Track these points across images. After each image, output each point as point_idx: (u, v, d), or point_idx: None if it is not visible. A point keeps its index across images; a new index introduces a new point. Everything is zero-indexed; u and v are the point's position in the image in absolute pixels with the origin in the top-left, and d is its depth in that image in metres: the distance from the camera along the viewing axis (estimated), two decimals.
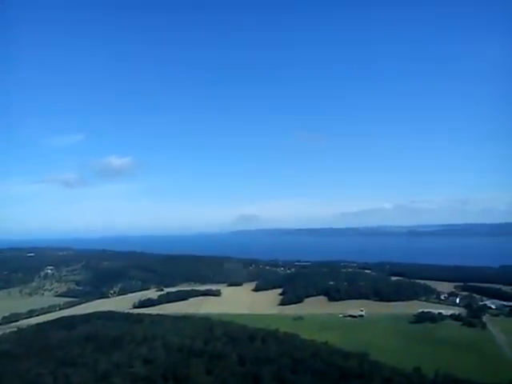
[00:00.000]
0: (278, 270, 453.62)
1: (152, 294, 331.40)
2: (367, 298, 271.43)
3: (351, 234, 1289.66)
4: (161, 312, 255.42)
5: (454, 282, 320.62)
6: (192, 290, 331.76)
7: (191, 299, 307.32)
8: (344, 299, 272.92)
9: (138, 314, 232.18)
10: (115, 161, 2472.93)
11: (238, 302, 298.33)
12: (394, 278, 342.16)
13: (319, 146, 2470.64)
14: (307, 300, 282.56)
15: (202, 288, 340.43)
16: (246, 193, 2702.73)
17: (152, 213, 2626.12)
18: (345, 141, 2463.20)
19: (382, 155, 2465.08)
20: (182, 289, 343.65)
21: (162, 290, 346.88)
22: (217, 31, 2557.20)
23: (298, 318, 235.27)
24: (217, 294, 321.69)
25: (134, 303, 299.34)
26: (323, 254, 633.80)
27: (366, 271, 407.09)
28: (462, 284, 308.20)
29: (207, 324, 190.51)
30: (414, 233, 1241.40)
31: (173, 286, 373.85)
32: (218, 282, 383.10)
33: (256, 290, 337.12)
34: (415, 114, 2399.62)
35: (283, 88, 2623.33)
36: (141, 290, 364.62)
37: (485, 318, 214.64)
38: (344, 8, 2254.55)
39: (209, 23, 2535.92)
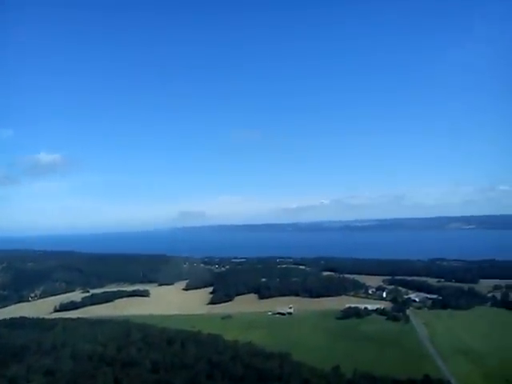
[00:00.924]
0: (212, 267, 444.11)
1: (76, 296, 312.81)
2: (297, 294, 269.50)
3: (290, 229, 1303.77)
4: (82, 316, 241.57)
5: (383, 275, 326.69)
6: (118, 290, 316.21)
7: (117, 301, 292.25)
8: (274, 296, 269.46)
9: (53, 320, 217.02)
10: (45, 157, 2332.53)
11: (167, 302, 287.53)
12: (325, 274, 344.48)
13: (260, 144, 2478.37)
14: (237, 298, 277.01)
15: (130, 289, 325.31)
16: (191, 189, 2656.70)
17: (88, 210, 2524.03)
18: (284, 138, 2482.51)
19: (321, 152, 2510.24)
20: (108, 290, 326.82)
21: (88, 291, 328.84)
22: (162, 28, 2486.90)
23: (227, 317, 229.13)
24: (145, 294, 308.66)
25: (55, 307, 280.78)
26: (261, 249, 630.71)
27: (301, 267, 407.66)
28: (390, 278, 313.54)
29: (125, 328, 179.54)
30: (350, 227, 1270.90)
31: (100, 287, 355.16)
32: (150, 282, 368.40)
33: (187, 288, 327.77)
34: (353, 111, 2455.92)
35: (223, 86, 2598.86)
36: (65, 293, 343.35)
37: (409, 312, 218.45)
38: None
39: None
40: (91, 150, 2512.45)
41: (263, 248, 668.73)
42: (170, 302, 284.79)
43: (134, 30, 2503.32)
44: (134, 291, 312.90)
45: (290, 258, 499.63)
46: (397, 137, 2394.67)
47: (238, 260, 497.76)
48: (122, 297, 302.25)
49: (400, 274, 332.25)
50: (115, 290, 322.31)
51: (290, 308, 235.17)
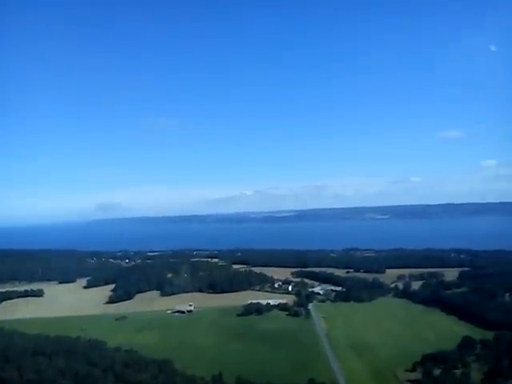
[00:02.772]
0: (121, 262, 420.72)
1: None
2: (202, 290, 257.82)
3: (212, 220, 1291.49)
4: None
5: (295, 267, 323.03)
6: (7, 291, 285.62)
7: (4, 302, 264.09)
8: (178, 293, 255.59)
9: None
10: None
11: (62, 302, 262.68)
12: (236, 267, 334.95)
13: (181, 133, 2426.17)
14: (138, 296, 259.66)
15: (22, 288, 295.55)
16: (111, 180, 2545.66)
17: None
18: (207, 128, 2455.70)
19: (244, 143, 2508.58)
20: None
21: None
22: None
23: (121, 318, 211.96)
24: (38, 294, 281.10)
25: None
26: (180, 241, 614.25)
27: (214, 260, 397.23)
28: (298, 270, 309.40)
29: None
30: (272, 218, 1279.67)
31: None
32: (49, 280, 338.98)
33: (87, 286, 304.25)
34: (273, 104, 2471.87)
35: (144, 74, 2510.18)
36: None
37: (311, 306, 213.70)
38: None
39: None
40: None
41: (182, 240, 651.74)
42: (65, 302, 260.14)
43: None
44: (25, 291, 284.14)
45: (206, 250, 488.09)
46: (317, 129, 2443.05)
47: (152, 253, 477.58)
48: (11, 298, 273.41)
49: (312, 265, 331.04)
50: (3, 290, 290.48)
51: (191, 305, 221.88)
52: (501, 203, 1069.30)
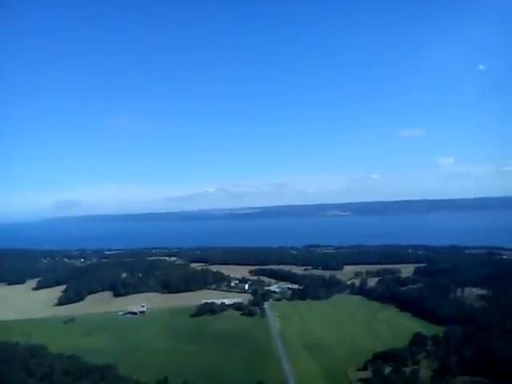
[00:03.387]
0: (76, 262, 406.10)
1: None
2: (156, 290, 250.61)
3: (173, 218, 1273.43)
4: None
5: (254, 265, 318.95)
6: None
7: None
8: (132, 293, 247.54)
9: None
10: None
11: (8, 305, 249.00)
12: (194, 265, 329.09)
13: (145, 131, 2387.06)
14: (90, 297, 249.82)
15: None
16: (71, 177, 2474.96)
17: None
18: (170, 126, 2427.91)
19: (206, 140, 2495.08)
20: None
21: None
22: None
23: (70, 321, 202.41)
24: None
25: None
26: (140, 240, 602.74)
27: (172, 258, 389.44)
28: (256, 268, 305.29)
29: None
30: (234, 215, 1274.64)
31: None
32: None
33: (37, 288, 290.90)
34: (237, 100, 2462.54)
35: (106, 73, 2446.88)
36: None
37: (267, 304, 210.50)
38: None
39: None
40: None
41: (143, 238, 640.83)
42: (11, 305, 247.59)
43: None
44: None
45: (166, 248, 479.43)
46: (279, 126, 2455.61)
47: (110, 252, 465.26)
48: None
49: (271, 262, 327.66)
50: None
51: (143, 306, 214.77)
52: (457, 200, 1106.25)
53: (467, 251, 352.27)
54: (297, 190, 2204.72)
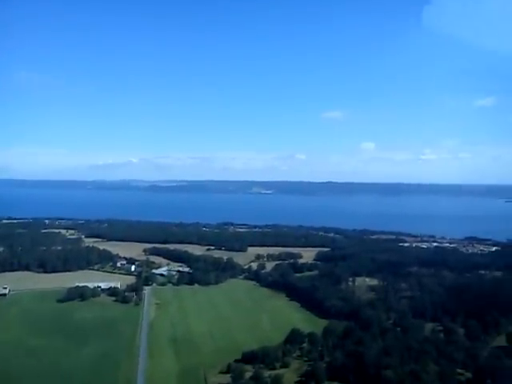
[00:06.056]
0: None
1: None
2: (31, 268, 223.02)
3: (92, 187, 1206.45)
4: None
5: (155, 243, 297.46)
6: None
7: None
8: (1, 271, 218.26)
9: None
10: None
11: None
12: (88, 241, 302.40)
13: (64, 93, 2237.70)
14: None
15: None
16: None
17: None
18: (92, 89, 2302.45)
19: (131, 107, 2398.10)
20: None
21: None
22: None
23: None
24: None
25: None
26: (45, 208, 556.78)
27: (70, 231, 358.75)
28: (152, 247, 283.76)
29: None
30: (157, 187, 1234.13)
31: None
32: None
33: None
34: (167, 68, 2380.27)
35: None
36: None
37: (148, 289, 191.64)
38: None
39: None
40: None
41: (49, 206, 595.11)
42: None
43: None
44: None
45: (71, 219, 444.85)
46: (206, 100, 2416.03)
47: (5, 221, 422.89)
48: None
49: (173, 240, 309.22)
50: None
51: (5, 288, 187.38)
52: (379, 183, 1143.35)
53: (375, 236, 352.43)
54: (223, 166, 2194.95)
